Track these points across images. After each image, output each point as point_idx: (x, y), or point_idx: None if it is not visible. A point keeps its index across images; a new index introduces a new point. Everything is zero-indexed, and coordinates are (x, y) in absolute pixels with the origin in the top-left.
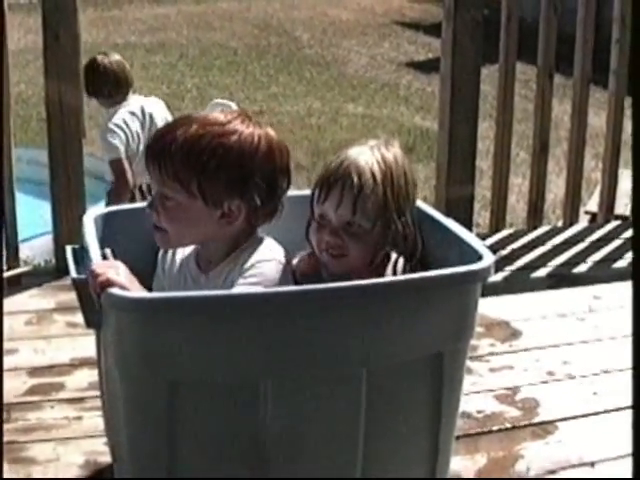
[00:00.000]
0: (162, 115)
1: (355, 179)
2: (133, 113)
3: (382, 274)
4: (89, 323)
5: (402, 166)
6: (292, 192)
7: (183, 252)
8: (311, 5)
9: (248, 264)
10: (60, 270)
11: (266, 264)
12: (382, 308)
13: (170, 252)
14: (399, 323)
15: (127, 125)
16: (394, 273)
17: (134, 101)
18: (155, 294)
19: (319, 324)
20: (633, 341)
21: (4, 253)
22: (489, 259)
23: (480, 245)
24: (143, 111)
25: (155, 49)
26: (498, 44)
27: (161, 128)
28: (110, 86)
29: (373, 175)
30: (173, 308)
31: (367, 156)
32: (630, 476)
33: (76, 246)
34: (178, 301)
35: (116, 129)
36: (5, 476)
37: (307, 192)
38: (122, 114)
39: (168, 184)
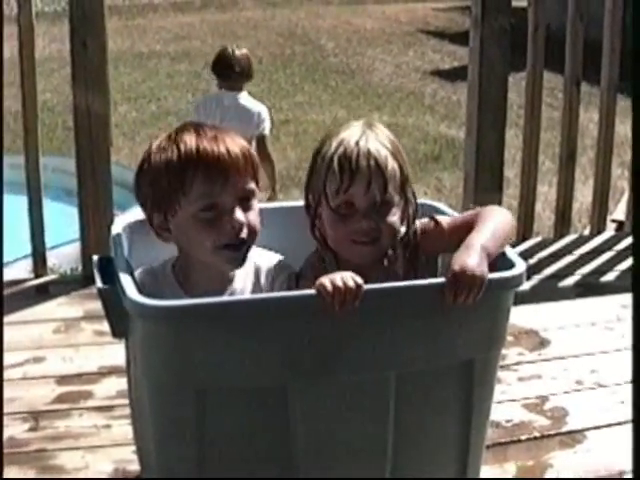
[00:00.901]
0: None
1: (379, 157)
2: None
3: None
4: (115, 332)
5: (397, 140)
6: (275, 204)
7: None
8: (335, 14)
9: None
10: (88, 278)
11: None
12: (413, 311)
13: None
14: (430, 328)
15: None
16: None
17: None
18: (181, 301)
19: (349, 327)
20: (633, 355)
21: (31, 261)
22: (521, 266)
23: (512, 253)
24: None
25: (180, 57)
26: (522, 52)
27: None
28: (235, 72)
29: (389, 151)
30: (199, 314)
31: (370, 135)
32: None
33: (103, 256)
34: (204, 307)
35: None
36: None
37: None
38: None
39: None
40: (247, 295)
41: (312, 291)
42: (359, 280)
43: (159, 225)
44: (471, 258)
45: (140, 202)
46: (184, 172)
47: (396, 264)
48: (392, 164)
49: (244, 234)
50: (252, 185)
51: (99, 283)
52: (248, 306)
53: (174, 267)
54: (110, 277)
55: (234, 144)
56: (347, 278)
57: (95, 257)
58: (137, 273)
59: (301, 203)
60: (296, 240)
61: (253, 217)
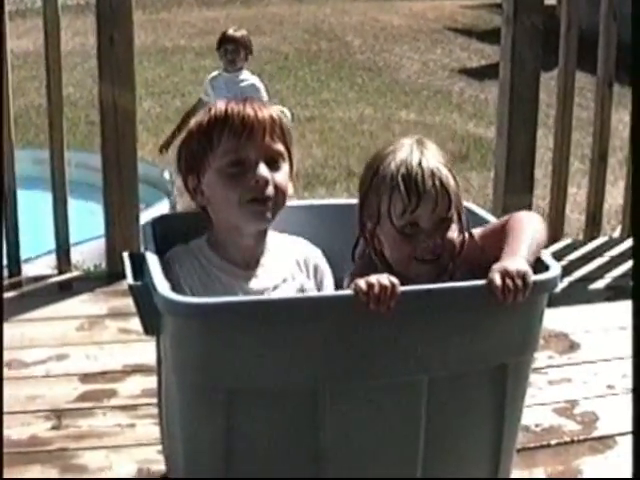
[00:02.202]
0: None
1: (442, 177)
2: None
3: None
4: (147, 330)
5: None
6: (325, 201)
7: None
8: (362, 10)
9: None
10: (112, 275)
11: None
12: (447, 314)
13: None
14: (464, 331)
15: None
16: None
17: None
18: (213, 299)
19: (381, 329)
20: (633, 362)
21: (54, 257)
22: (557, 269)
23: (547, 255)
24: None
25: (205, 53)
26: (550, 51)
27: None
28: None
29: (447, 169)
30: (231, 313)
31: (428, 154)
32: None
33: (133, 252)
34: (237, 306)
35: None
36: None
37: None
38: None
39: None
40: (277, 295)
41: (348, 292)
42: (394, 280)
43: (194, 188)
44: (517, 261)
45: (179, 169)
46: (212, 130)
47: (454, 277)
48: (452, 183)
49: (269, 191)
50: (280, 147)
51: (130, 279)
52: (282, 306)
53: (208, 239)
54: (140, 273)
55: (262, 108)
56: (382, 277)
57: (125, 253)
58: (169, 253)
59: (329, 201)
60: (325, 238)
61: (280, 177)
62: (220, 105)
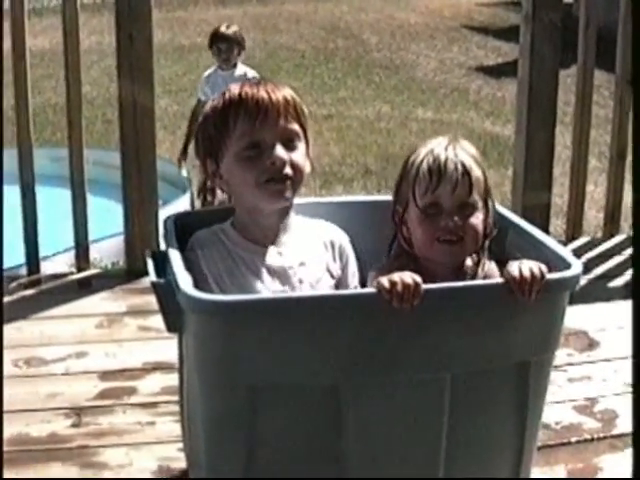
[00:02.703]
0: None
1: (465, 162)
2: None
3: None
4: (170, 327)
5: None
6: (359, 197)
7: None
8: (379, 8)
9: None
10: (131, 273)
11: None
12: (470, 312)
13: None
14: (487, 328)
15: None
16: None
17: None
18: (236, 296)
19: (404, 326)
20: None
21: (72, 254)
22: (578, 267)
23: (568, 253)
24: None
25: None
26: (568, 49)
27: None
28: (228, 49)
29: (474, 160)
30: (255, 311)
31: (457, 146)
32: None
33: (155, 250)
34: (260, 304)
35: None
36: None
37: (375, 198)
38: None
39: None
40: (297, 292)
41: (372, 290)
42: (417, 278)
43: (213, 172)
44: (531, 261)
45: (197, 155)
46: (227, 114)
47: (476, 273)
48: (477, 172)
49: (287, 170)
50: (295, 126)
51: (153, 277)
52: (305, 303)
53: (232, 222)
54: (162, 271)
55: (277, 89)
56: (405, 275)
57: (148, 251)
58: (193, 237)
59: (348, 198)
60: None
61: (297, 157)
62: (234, 89)
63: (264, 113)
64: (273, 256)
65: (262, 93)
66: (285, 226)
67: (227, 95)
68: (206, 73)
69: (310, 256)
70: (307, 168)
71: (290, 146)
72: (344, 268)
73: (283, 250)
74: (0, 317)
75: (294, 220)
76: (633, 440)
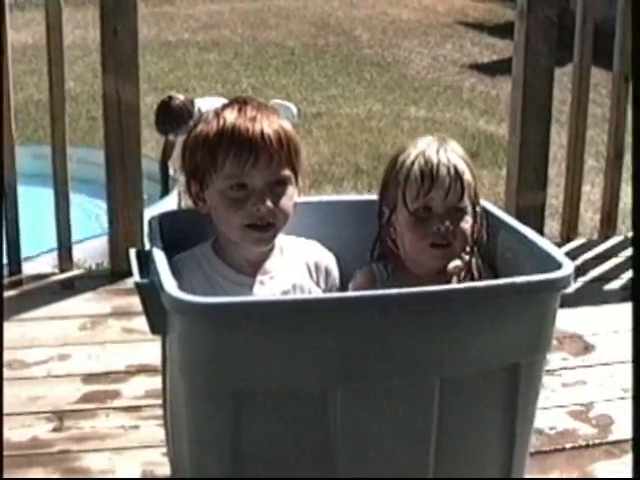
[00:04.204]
0: None
1: (458, 166)
2: None
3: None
4: (154, 329)
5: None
6: (341, 197)
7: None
8: (370, 3)
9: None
10: (115, 273)
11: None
12: (459, 315)
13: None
14: (476, 331)
15: None
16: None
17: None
18: (221, 299)
19: (392, 331)
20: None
21: (55, 255)
22: (569, 267)
23: (559, 253)
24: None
25: (209, 47)
26: (563, 47)
27: None
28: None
29: (465, 163)
30: (241, 313)
31: (447, 148)
32: None
33: (139, 249)
34: (246, 306)
35: None
36: None
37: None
38: None
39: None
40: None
41: (359, 293)
42: None
43: (196, 194)
44: None
45: (182, 169)
46: (218, 148)
47: (462, 275)
48: (468, 176)
49: (270, 219)
50: (286, 171)
51: (137, 277)
52: (293, 307)
53: (213, 245)
54: (146, 271)
55: (271, 127)
56: None
57: (132, 250)
58: (175, 259)
59: (337, 198)
60: (333, 235)
61: (284, 202)
62: (230, 117)
63: (255, 157)
64: (255, 287)
65: (256, 133)
66: (269, 252)
67: (220, 125)
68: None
69: (294, 283)
70: (291, 210)
71: (279, 191)
72: (330, 291)
73: (266, 279)
74: (0, 316)
75: (280, 241)
76: (633, 446)
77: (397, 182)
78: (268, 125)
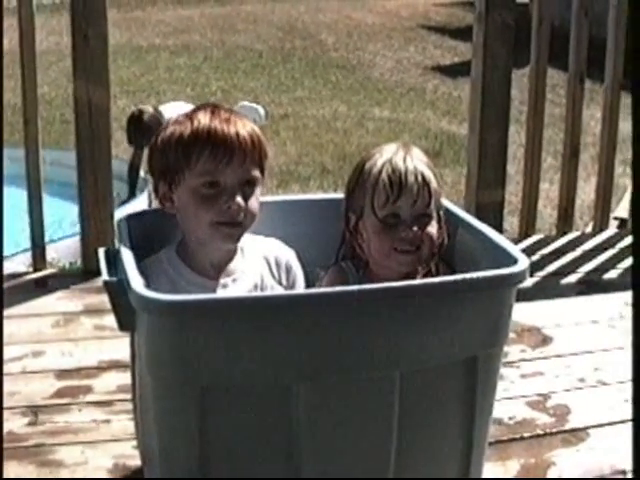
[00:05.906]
0: None
1: (425, 173)
2: None
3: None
4: (122, 326)
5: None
6: (304, 196)
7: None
8: (336, 8)
9: (284, 261)
10: (87, 272)
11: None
12: (417, 310)
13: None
14: (434, 326)
15: None
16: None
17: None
18: (187, 296)
19: (353, 326)
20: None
21: (30, 254)
22: (524, 263)
23: (515, 249)
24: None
25: (179, 51)
26: (522, 48)
27: None
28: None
29: (430, 170)
30: (206, 311)
31: (413, 155)
32: None
33: (108, 248)
34: (210, 304)
35: None
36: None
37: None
38: None
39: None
40: (249, 293)
41: (319, 290)
42: None
43: (163, 195)
44: None
45: (150, 170)
46: (192, 147)
47: (424, 274)
48: (434, 182)
49: (241, 217)
50: (257, 172)
51: (105, 276)
52: (254, 304)
53: (178, 248)
54: (115, 270)
55: (245, 129)
56: None
57: (101, 249)
58: (142, 264)
59: (301, 197)
60: (298, 234)
61: (252, 203)
62: (203, 119)
63: (230, 156)
64: (218, 290)
65: (232, 133)
66: (232, 253)
67: (194, 126)
68: None
69: (256, 283)
70: (257, 211)
71: (248, 192)
72: (292, 286)
73: (229, 282)
74: (0, 315)
75: (242, 241)
76: (633, 438)
77: (364, 189)
78: (242, 127)
